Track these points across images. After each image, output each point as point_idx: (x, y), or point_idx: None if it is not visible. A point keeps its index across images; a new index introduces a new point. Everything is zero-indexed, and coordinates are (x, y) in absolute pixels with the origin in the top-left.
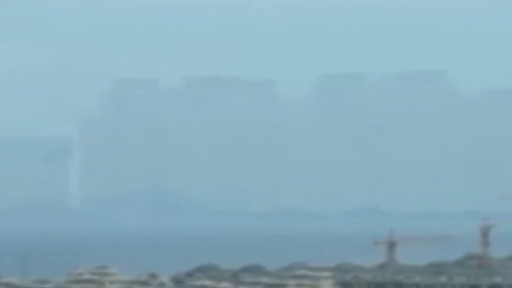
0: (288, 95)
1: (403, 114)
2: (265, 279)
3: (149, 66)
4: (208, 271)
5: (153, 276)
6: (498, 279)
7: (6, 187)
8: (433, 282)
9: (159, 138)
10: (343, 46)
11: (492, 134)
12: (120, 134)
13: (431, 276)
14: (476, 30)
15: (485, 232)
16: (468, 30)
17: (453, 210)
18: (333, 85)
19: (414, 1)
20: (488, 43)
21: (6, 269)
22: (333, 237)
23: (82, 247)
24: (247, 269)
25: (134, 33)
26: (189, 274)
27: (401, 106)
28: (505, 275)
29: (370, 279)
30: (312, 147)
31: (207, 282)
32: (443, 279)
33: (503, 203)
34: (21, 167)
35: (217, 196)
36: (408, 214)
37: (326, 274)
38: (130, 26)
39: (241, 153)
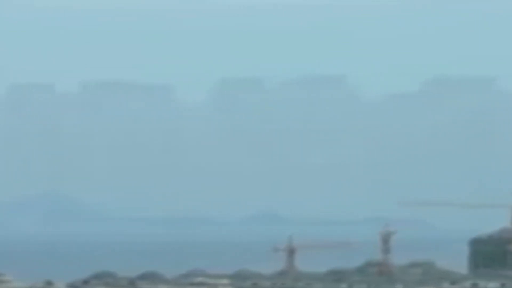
0: (186, 99)
1: (303, 119)
2: (162, 287)
3: (45, 71)
4: (104, 278)
5: (49, 283)
6: (399, 286)
7: None
8: None
9: (55, 144)
10: (242, 51)
11: (393, 139)
12: (15, 139)
13: (331, 283)
14: (376, 34)
15: (386, 239)
16: (369, 35)
17: (353, 217)
18: (232, 90)
19: (313, 5)
20: (388, 48)
21: None
22: (231, 243)
23: None
24: (144, 277)
25: (29, 37)
26: (85, 282)
27: (301, 111)
28: (406, 282)
29: (269, 286)
30: (211, 152)
31: None
32: (343, 286)
33: (404, 210)
34: None
35: (115, 202)
36: (308, 220)
37: (225, 281)
38: (25, 29)
39: (139, 159)
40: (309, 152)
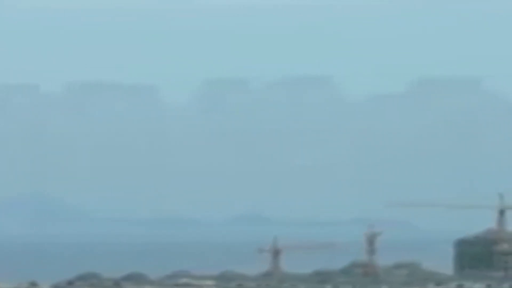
0: (171, 100)
1: (288, 120)
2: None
3: (29, 71)
4: (89, 279)
5: (34, 284)
6: (384, 287)
7: None
8: None
9: (40, 144)
10: (226, 51)
11: (378, 140)
12: None
13: (316, 284)
14: (361, 35)
15: (371, 240)
16: (354, 35)
17: (338, 218)
18: (217, 91)
19: (297, 6)
20: (374, 48)
21: None
22: (216, 244)
23: None
24: (129, 278)
25: (13, 37)
26: (70, 283)
27: (286, 111)
28: (391, 284)
29: (254, 287)
30: (195, 153)
31: None
32: (328, 287)
33: (389, 210)
34: None
35: (100, 203)
36: (293, 221)
37: (210, 282)
38: (9, 30)
39: (124, 160)
40: (294, 152)
